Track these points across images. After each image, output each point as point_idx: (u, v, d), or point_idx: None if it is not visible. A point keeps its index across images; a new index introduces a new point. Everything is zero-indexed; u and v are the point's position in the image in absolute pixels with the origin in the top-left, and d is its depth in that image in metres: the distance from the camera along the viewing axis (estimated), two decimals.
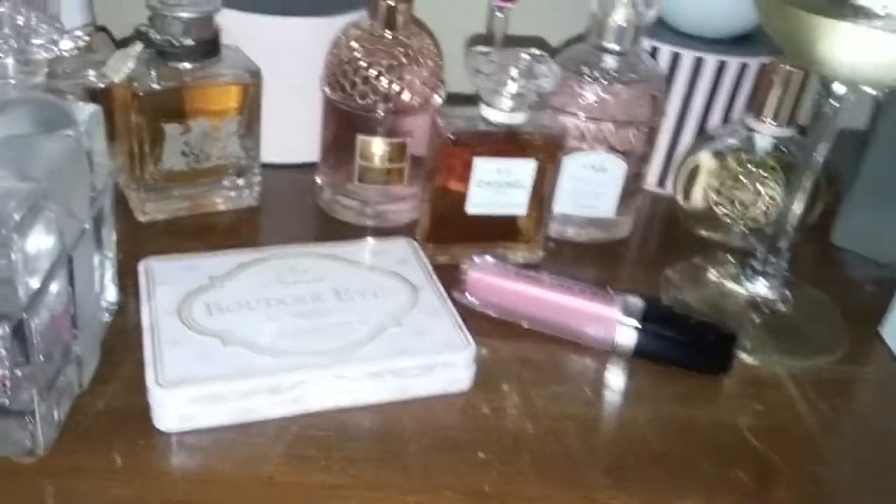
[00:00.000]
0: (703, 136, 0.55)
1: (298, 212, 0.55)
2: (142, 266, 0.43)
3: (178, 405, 0.36)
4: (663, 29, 0.57)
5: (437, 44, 0.51)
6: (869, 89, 0.53)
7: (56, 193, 0.32)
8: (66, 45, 0.46)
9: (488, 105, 0.46)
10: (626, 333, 0.43)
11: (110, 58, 0.47)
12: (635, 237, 0.56)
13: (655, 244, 0.57)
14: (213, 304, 0.41)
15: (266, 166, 0.54)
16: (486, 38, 0.58)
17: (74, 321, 0.36)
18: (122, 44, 0.50)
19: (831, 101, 0.41)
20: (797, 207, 0.45)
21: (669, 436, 0.40)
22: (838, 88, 0.40)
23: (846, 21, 0.36)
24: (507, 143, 0.47)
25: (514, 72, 0.44)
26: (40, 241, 0.32)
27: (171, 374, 0.36)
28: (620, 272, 0.53)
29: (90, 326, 0.38)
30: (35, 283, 0.32)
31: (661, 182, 0.60)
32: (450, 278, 0.45)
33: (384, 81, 0.49)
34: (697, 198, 0.54)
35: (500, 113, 0.46)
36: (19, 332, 0.31)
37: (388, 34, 0.49)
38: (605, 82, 0.49)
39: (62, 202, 0.33)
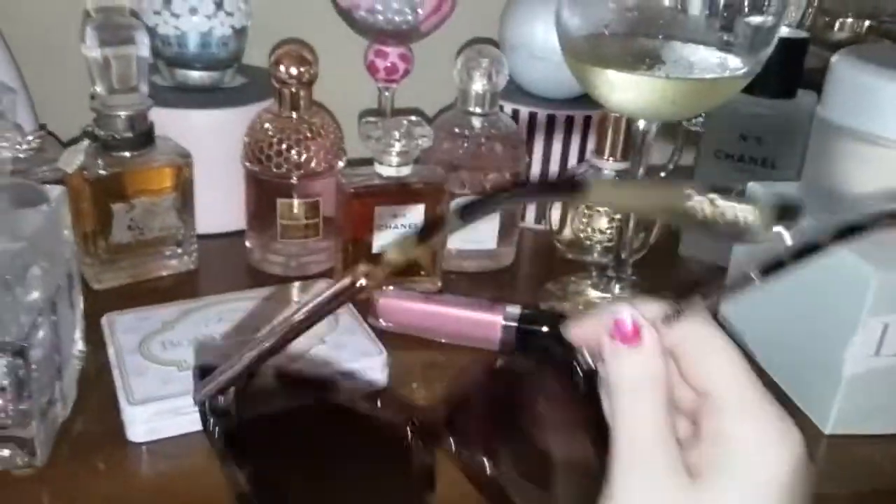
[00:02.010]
0: (563, 174, 0.67)
1: (233, 271, 0.64)
2: (104, 319, 0.52)
3: (146, 419, 0.44)
4: (522, 94, 0.70)
5: (335, 119, 0.62)
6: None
7: (39, 253, 0.41)
8: (24, 146, 0.55)
9: (380, 163, 0.57)
10: (507, 333, 0.53)
11: (62, 153, 0.57)
12: (523, 266, 0.67)
13: (538, 269, 0.68)
14: (168, 342, 0.50)
15: (203, 236, 0.63)
16: (376, 112, 0.69)
17: (59, 360, 0.44)
18: (70, 142, 0.59)
19: (639, 135, 0.53)
20: (630, 225, 0.57)
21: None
22: (641, 124, 0.52)
23: (624, 72, 0.48)
24: (398, 192, 0.57)
25: (396, 134, 0.55)
26: (30, 290, 0.41)
27: (139, 395, 0.45)
28: (510, 293, 0.64)
29: (69, 366, 0.46)
30: (28, 322, 0.40)
31: (539, 220, 0.71)
32: (364, 309, 0.55)
33: (294, 153, 0.59)
34: (565, 228, 0.65)
35: (390, 168, 0.57)
36: (20, 366, 0.39)
37: (293, 115, 0.60)
38: (473, 139, 0.61)
39: (45, 260, 0.42)
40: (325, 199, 0.61)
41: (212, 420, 0.27)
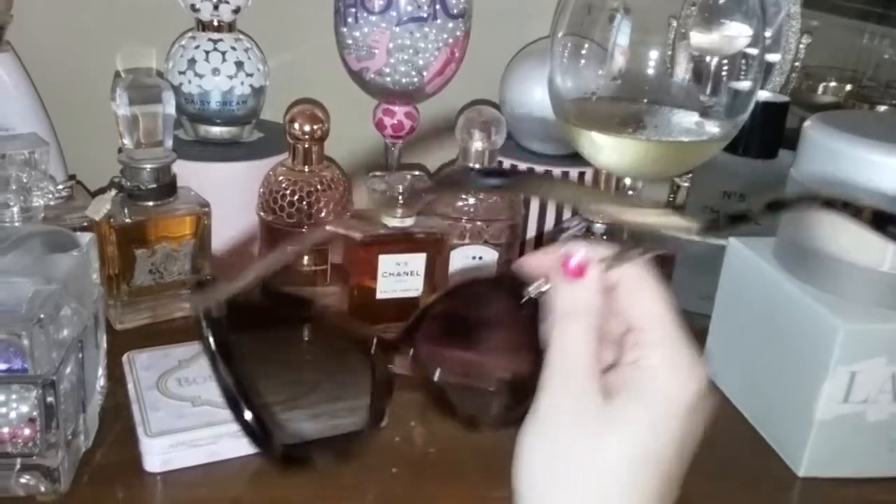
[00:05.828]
0: (556, 227, 0.71)
1: None
2: (125, 357, 0.55)
3: (162, 450, 0.48)
4: (521, 150, 0.74)
5: (344, 173, 0.67)
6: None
7: (70, 295, 0.45)
8: (56, 195, 0.60)
9: (385, 215, 0.61)
10: None
11: (91, 202, 0.61)
12: None
13: None
14: (183, 379, 0.53)
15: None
16: (383, 167, 0.74)
17: (83, 395, 0.48)
18: (97, 192, 0.63)
19: (628, 191, 0.57)
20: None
21: None
22: (627, 181, 0.56)
23: (609, 135, 0.52)
24: (402, 241, 0.61)
25: (400, 188, 0.60)
26: (61, 329, 0.44)
27: (156, 428, 0.48)
28: None
29: (92, 400, 0.50)
30: (58, 358, 0.44)
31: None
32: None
33: (305, 204, 0.63)
34: None
35: (394, 219, 0.61)
36: (49, 398, 0.43)
37: (306, 169, 0.64)
38: (473, 192, 0.65)
39: (75, 302, 0.46)
40: (334, 248, 0.65)
41: (207, 326, 0.30)
